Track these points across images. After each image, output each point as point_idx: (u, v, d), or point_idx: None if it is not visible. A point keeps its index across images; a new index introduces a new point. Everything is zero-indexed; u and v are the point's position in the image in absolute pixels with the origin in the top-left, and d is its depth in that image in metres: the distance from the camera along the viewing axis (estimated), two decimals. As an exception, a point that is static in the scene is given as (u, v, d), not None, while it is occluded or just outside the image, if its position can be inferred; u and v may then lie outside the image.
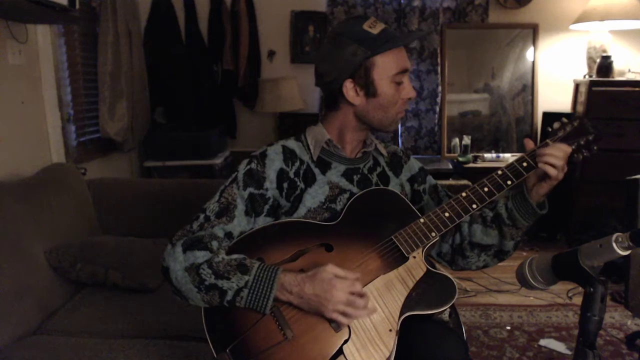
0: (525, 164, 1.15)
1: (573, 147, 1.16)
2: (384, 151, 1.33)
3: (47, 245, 1.78)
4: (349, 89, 1.17)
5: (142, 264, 1.85)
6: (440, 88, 3.66)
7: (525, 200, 1.17)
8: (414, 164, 1.37)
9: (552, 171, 1.10)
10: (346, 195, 1.22)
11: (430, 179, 1.37)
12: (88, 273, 1.80)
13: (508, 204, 1.20)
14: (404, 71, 1.18)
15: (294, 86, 3.45)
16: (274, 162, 1.19)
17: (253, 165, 1.18)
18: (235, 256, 1.08)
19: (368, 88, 1.16)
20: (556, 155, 1.10)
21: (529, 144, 1.18)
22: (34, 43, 2.22)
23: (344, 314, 1.03)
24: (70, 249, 1.80)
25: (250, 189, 1.16)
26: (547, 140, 1.18)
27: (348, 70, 1.15)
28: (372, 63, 1.15)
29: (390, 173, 1.32)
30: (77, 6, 1.88)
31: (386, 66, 1.16)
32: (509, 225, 1.21)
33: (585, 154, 1.18)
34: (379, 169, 1.30)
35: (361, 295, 1.05)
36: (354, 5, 3.59)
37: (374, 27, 1.15)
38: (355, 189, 1.23)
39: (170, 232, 1.15)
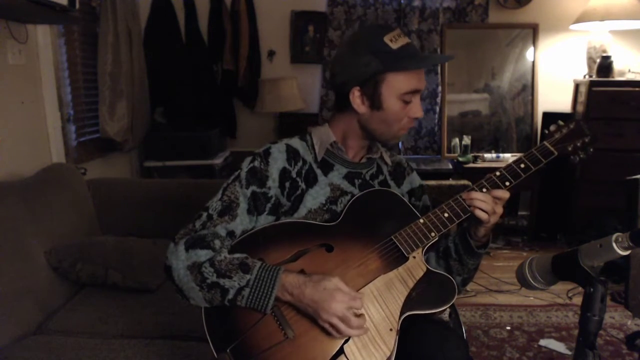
0: (523, 165, 1.16)
1: (569, 148, 1.19)
2: (388, 160, 1.33)
3: (47, 245, 1.78)
4: (355, 96, 1.16)
5: (142, 264, 1.84)
6: (440, 88, 3.66)
7: (465, 238, 1.20)
8: (415, 178, 1.37)
9: (482, 216, 1.12)
10: (347, 198, 1.22)
11: (426, 200, 1.37)
12: (88, 273, 1.80)
13: (455, 239, 1.23)
14: (414, 91, 1.16)
15: (294, 86, 3.45)
16: (277, 160, 1.19)
17: (256, 164, 1.18)
18: (237, 255, 1.08)
19: (374, 100, 1.15)
20: (484, 201, 1.11)
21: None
22: (34, 43, 2.22)
23: (335, 327, 1.01)
24: (70, 249, 1.81)
25: (253, 187, 1.16)
26: (544, 142, 1.19)
27: (358, 79, 1.14)
28: (383, 78, 1.13)
29: (391, 182, 1.32)
30: (77, 6, 1.88)
31: (397, 84, 1.13)
32: (455, 260, 1.24)
33: (581, 155, 1.21)
34: (380, 177, 1.31)
35: (359, 315, 1.04)
36: (354, 5, 3.59)
37: (394, 42, 1.12)
38: (356, 192, 1.23)
39: (170, 232, 1.15)
